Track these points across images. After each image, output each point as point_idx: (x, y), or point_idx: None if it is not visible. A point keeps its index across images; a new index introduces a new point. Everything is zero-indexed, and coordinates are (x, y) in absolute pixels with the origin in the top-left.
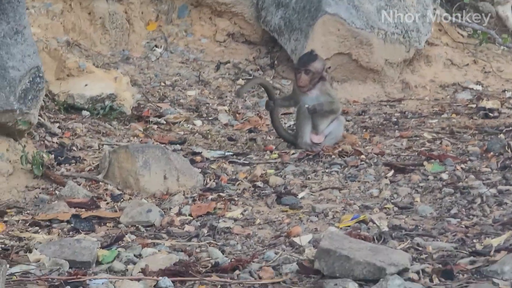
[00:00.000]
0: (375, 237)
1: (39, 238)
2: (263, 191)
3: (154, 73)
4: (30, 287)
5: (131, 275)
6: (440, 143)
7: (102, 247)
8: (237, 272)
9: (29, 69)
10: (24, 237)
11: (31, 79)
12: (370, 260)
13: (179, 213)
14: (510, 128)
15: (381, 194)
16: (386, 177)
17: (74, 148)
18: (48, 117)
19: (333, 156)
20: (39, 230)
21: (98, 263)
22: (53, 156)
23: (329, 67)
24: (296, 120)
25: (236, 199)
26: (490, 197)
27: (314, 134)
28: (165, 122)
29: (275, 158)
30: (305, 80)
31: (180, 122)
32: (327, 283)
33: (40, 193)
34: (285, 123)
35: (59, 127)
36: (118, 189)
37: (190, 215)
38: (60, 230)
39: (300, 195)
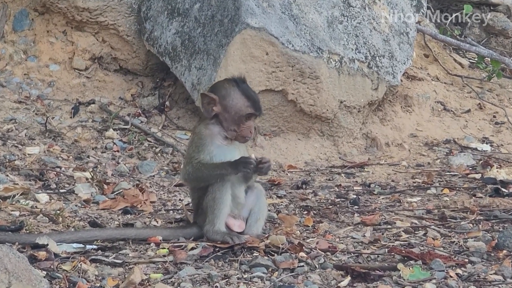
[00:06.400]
0: None
1: None
2: None
3: None
4: None
5: None
6: (425, 234)
7: None
8: None
9: None
10: None
11: None
12: None
13: None
14: None
15: None
16: None
17: None
18: None
19: (255, 253)
20: None
21: None
22: None
23: None
24: (205, 194)
25: None
26: None
27: (232, 218)
28: None
29: (164, 255)
30: None
31: (14, 196)
32: None
33: None
34: (180, 200)
35: None
36: None
37: None
38: None
39: None
